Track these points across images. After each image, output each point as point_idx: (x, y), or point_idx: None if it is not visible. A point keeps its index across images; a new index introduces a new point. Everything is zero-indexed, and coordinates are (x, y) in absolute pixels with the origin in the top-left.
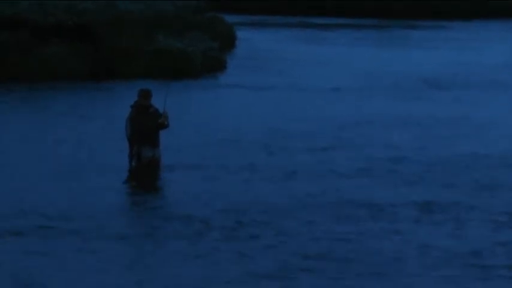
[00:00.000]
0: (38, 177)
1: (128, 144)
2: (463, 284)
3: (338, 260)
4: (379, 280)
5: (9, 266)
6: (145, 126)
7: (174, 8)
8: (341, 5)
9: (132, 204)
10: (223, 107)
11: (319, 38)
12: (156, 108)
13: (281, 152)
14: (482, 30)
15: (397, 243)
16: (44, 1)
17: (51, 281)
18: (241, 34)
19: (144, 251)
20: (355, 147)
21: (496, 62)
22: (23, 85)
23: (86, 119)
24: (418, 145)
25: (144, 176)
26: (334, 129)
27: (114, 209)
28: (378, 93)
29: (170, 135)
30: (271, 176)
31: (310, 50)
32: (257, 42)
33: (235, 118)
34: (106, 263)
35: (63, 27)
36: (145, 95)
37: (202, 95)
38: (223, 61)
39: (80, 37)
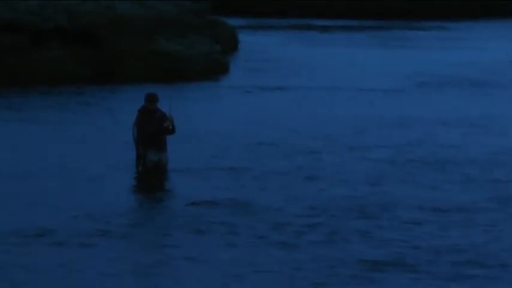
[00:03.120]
0: (44, 178)
1: (135, 148)
2: None
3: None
4: None
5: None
6: (151, 130)
7: (175, 10)
8: (341, 6)
9: (140, 206)
10: (230, 110)
11: (320, 40)
12: (163, 113)
13: (306, 153)
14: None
15: None
16: (44, 3)
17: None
18: (243, 37)
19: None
20: (399, 146)
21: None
22: (22, 89)
23: (87, 122)
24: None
25: (150, 180)
26: (357, 131)
27: (121, 210)
28: (392, 93)
29: (187, 139)
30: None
31: (311, 52)
32: (259, 45)
33: (248, 120)
34: (117, 266)
35: (63, 31)
36: (151, 99)
37: (206, 98)
38: (226, 64)
39: (80, 40)
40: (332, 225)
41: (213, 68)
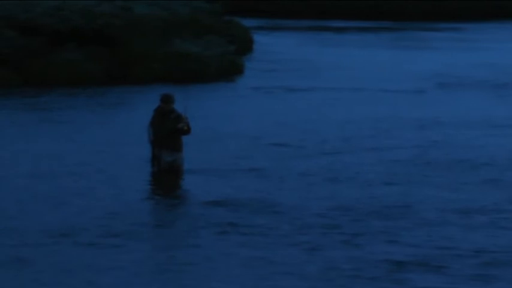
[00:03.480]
0: (64, 178)
1: (150, 149)
2: None
3: None
4: None
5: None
6: (166, 131)
7: (190, 11)
8: (357, 6)
9: (160, 207)
10: (246, 111)
11: (336, 41)
12: (179, 113)
13: (327, 154)
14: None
15: None
16: (60, 5)
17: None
18: (257, 38)
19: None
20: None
21: None
22: (39, 90)
23: (103, 123)
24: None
25: (166, 181)
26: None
27: (142, 211)
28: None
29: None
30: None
31: (326, 53)
32: (274, 46)
33: (265, 121)
34: (143, 267)
35: (79, 32)
36: (167, 99)
37: (222, 99)
38: (241, 65)
39: (97, 41)
40: (355, 226)
41: (227, 69)
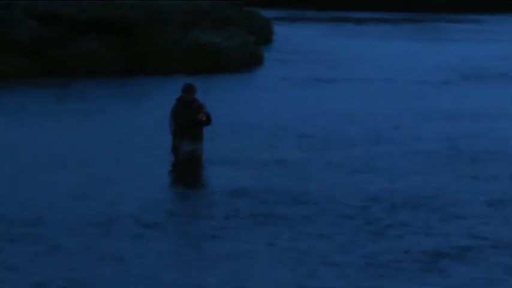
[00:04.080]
0: (79, 169)
1: (172, 139)
2: None
3: None
4: None
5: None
6: (186, 121)
7: (210, 1)
8: None
9: (185, 198)
10: (267, 102)
11: (356, 32)
12: (200, 104)
13: (354, 146)
14: None
15: None
16: None
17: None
18: (277, 29)
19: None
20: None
21: None
22: (59, 80)
23: (123, 114)
24: None
25: (184, 170)
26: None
27: (166, 202)
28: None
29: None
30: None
31: (347, 44)
32: (294, 37)
33: (288, 112)
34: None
35: (99, 22)
36: (188, 89)
37: (242, 89)
38: (261, 56)
39: (117, 32)
40: (387, 217)
41: (247, 60)
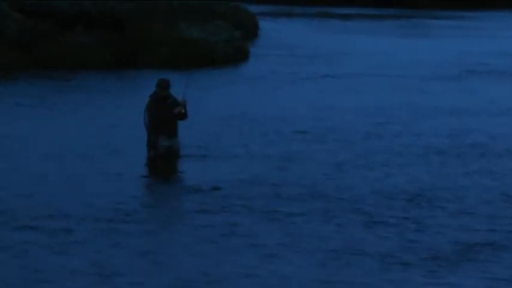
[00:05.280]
0: (67, 161)
1: (146, 134)
2: None
3: None
4: None
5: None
6: (162, 116)
7: None
8: None
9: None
10: (253, 97)
11: (341, 28)
12: (174, 99)
13: (352, 143)
14: None
15: None
16: None
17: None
18: (264, 24)
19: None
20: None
21: None
22: (48, 73)
23: (107, 108)
24: None
25: (161, 166)
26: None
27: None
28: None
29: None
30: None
31: (333, 40)
32: (280, 32)
33: (276, 107)
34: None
35: (88, 16)
36: (163, 85)
37: (228, 84)
38: (246, 51)
39: (105, 25)
40: (403, 211)
41: (233, 55)
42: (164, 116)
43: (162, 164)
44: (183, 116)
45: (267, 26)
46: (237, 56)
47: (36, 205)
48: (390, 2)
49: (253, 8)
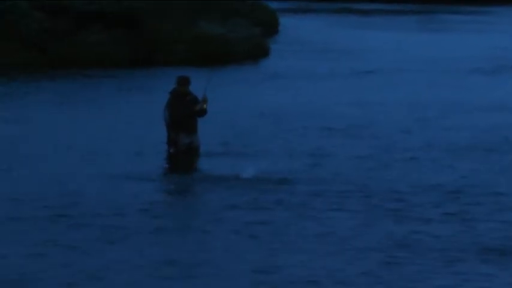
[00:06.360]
0: (72, 163)
1: (166, 131)
2: None
3: None
4: None
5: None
6: (182, 113)
7: None
8: None
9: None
10: (274, 94)
11: (361, 24)
12: (194, 96)
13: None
14: None
15: None
16: None
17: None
18: (284, 20)
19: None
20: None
21: None
22: (65, 72)
23: (125, 106)
24: None
25: (182, 163)
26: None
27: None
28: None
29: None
30: None
31: (352, 35)
32: (300, 29)
33: (297, 104)
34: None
35: (105, 14)
36: (183, 82)
37: (247, 81)
38: (266, 47)
39: (122, 23)
40: (451, 206)
41: (253, 51)
42: (184, 113)
43: (183, 160)
44: (203, 112)
45: (288, 23)
46: (257, 52)
47: (85, 203)
48: None
49: (273, 5)
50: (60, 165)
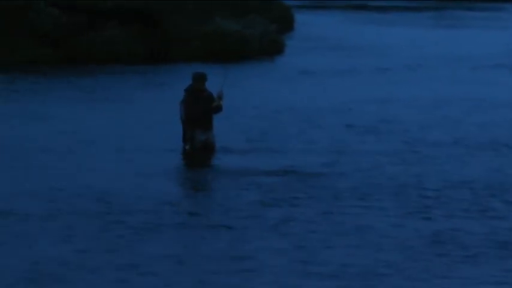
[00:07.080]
0: (87, 159)
1: (182, 128)
2: None
3: None
4: None
5: None
6: (199, 110)
7: None
8: None
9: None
10: (289, 90)
11: (377, 20)
12: (210, 92)
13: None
14: None
15: None
16: None
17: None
18: (299, 17)
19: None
20: None
21: None
22: (80, 68)
23: (140, 102)
24: None
25: (198, 159)
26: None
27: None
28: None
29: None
30: None
31: (369, 32)
32: (316, 25)
33: (313, 100)
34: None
35: (120, 10)
36: (199, 78)
37: (263, 77)
38: (282, 44)
39: (138, 20)
40: (481, 203)
41: (268, 48)
42: (200, 110)
43: (200, 157)
44: (219, 109)
45: (303, 19)
46: (272, 49)
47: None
48: None
49: (289, 1)
50: (87, 161)
